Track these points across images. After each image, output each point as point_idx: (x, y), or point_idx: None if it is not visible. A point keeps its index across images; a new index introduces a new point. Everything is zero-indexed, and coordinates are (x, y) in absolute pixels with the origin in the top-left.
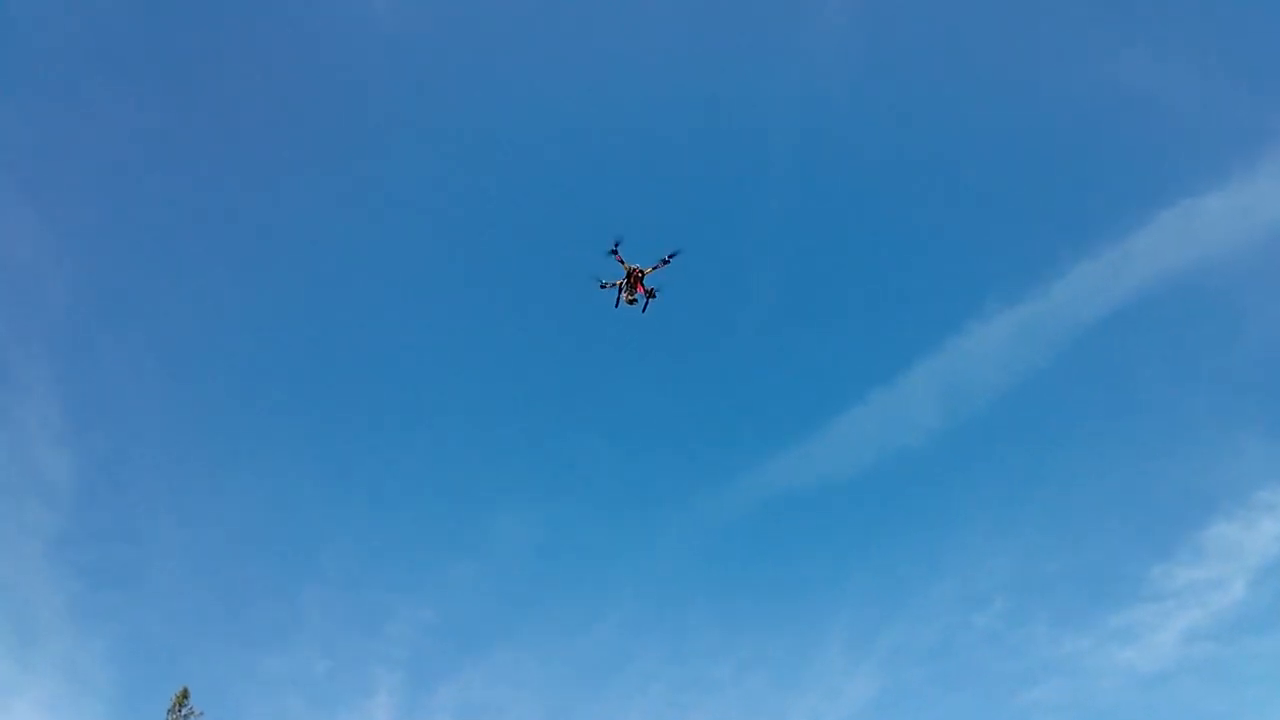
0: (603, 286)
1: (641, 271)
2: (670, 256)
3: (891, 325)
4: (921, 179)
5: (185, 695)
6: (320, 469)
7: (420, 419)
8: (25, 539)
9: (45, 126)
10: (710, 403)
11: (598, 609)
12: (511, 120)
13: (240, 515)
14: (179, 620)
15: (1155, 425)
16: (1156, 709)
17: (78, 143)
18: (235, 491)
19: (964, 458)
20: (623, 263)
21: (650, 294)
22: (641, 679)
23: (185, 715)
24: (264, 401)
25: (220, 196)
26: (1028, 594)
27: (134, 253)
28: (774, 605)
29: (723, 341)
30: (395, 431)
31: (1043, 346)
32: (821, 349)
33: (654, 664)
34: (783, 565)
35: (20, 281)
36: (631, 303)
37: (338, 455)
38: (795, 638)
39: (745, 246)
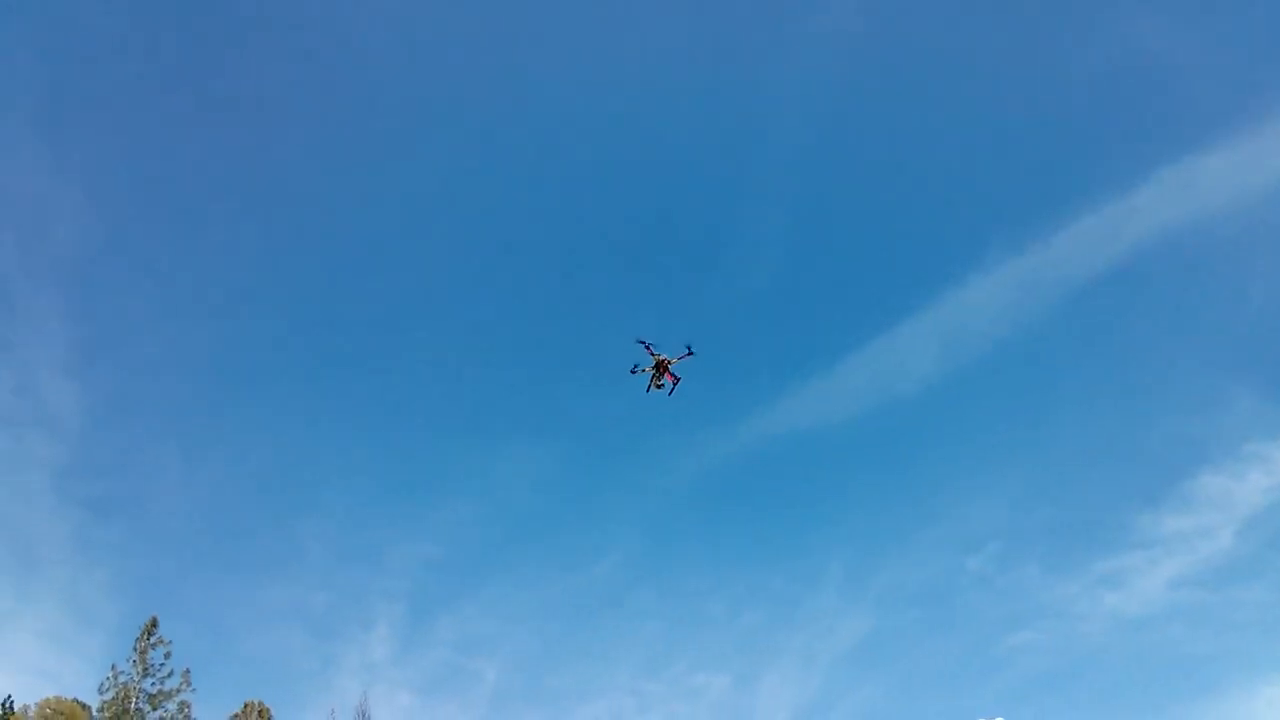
0: (633, 372)
1: (669, 360)
2: (690, 350)
3: (894, 275)
4: (932, 133)
5: (154, 624)
6: (324, 406)
7: (425, 361)
8: (30, 470)
9: (55, 57)
10: (713, 345)
11: (596, 546)
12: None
13: (243, 449)
14: (180, 551)
15: (1148, 378)
16: (1142, 652)
17: (89, 75)
18: (239, 425)
19: (959, 406)
20: (652, 354)
21: (676, 380)
22: (637, 616)
23: (153, 644)
24: (269, 338)
25: (231, 137)
26: (1019, 540)
27: (144, 188)
28: (769, 544)
29: (729, 287)
30: (399, 371)
31: (1041, 299)
32: (827, 296)
33: (650, 601)
34: (779, 506)
35: (28, 213)
36: (660, 388)
37: (342, 393)
38: (790, 577)
39: (754, 196)
